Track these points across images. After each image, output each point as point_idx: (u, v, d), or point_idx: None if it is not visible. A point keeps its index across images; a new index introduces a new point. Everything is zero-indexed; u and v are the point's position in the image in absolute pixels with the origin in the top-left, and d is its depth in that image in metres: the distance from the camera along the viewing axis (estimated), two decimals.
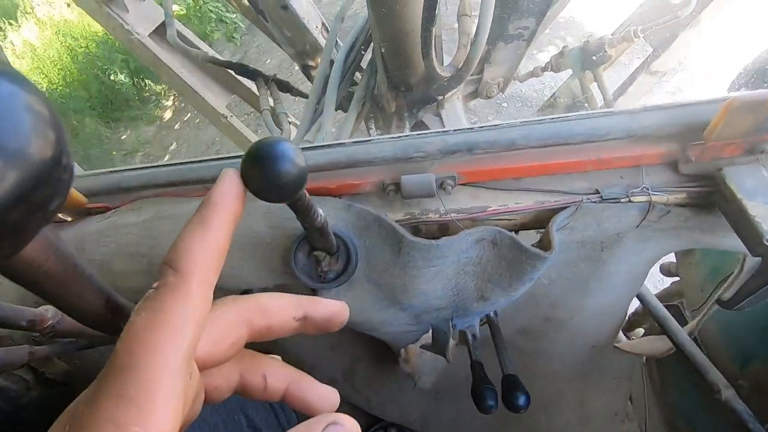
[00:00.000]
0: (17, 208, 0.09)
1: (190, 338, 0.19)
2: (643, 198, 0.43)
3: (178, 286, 0.20)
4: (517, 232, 0.50)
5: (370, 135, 1.35)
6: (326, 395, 0.27)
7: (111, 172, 0.49)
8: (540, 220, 0.47)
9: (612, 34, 1.35)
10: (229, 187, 0.22)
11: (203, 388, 0.24)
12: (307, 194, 0.29)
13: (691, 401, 0.77)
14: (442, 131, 0.45)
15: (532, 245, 0.44)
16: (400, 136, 0.45)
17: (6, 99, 0.09)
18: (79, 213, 0.51)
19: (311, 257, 0.44)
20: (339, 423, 0.25)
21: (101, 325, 0.20)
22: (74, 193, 0.47)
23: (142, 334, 0.18)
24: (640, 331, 0.99)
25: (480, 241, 0.45)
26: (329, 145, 0.46)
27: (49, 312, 0.39)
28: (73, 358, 0.66)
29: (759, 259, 0.41)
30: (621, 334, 0.97)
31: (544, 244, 0.44)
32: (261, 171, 0.22)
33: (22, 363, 0.48)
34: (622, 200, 0.43)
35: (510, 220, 0.47)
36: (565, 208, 0.44)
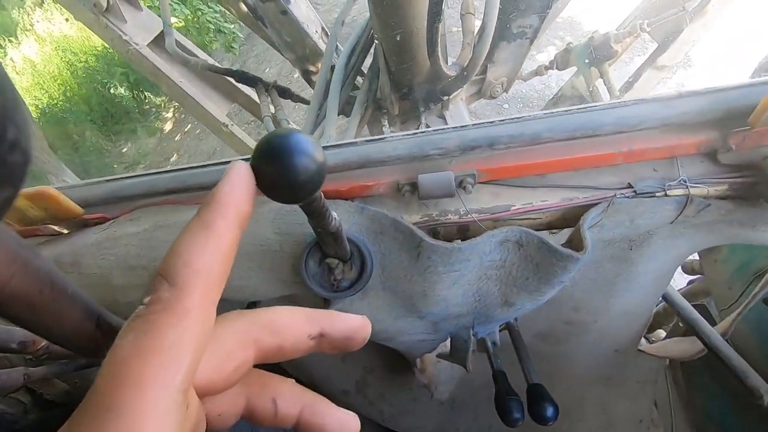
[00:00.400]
0: None
1: (186, 368, 0.15)
2: (681, 191, 0.39)
3: (174, 303, 0.16)
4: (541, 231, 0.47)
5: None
6: (346, 422, 0.23)
7: (108, 180, 0.46)
8: (568, 219, 0.44)
9: (617, 30, 1.33)
10: (238, 182, 0.18)
11: (203, 417, 0.20)
12: (323, 195, 0.26)
13: (721, 405, 0.73)
14: (461, 126, 0.42)
15: (561, 245, 0.41)
16: (415, 133, 0.42)
17: None
18: (76, 225, 0.48)
19: (323, 265, 0.41)
20: None
21: (90, 351, 0.17)
22: (70, 204, 0.44)
23: (127, 364, 0.14)
24: (661, 332, 0.95)
25: (504, 243, 0.42)
26: (339, 145, 0.43)
27: None
28: (72, 377, 0.62)
29: None
30: (643, 338, 0.93)
31: (575, 244, 0.40)
32: (276, 166, 0.19)
33: (18, 386, 0.45)
34: (657, 194, 0.40)
35: (535, 219, 0.44)
36: (595, 204, 0.41)
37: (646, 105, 0.39)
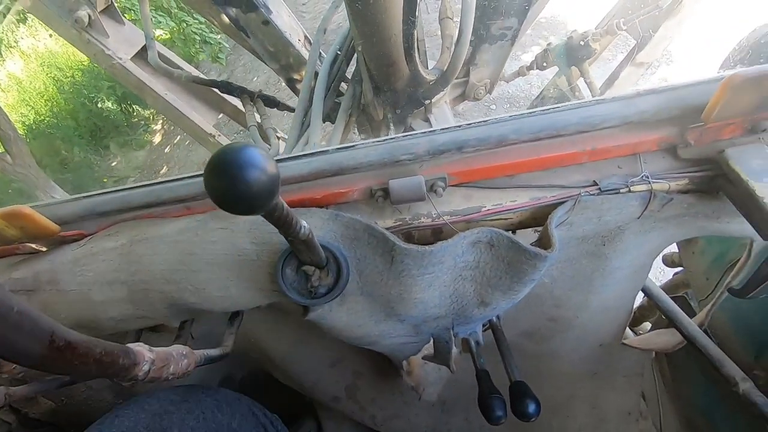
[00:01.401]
0: None
1: None
2: (644, 187, 0.41)
3: None
4: (514, 231, 0.47)
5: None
6: None
7: (84, 197, 0.47)
8: (537, 218, 0.45)
9: (595, 29, 1.35)
10: None
11: None
12: (285, 204, 0.27)
13: (706, 395, 0.74)
14: (429, 131, 0.43)
15: (531, 244, 0.42)
16: (385, 139, 0.43)
17: None
18: (54, 242, 0.48)
19: (300, 273, 0.42)
20: None
21: (46, 366, 0.18)
22: (45, 222, 0.44)
23: None
24: (647, 325, 0.96)
25: (476, 244, 0.43)
26: (311, 154, 0.44)
27: None
28: (59, 395, 0.62)
29: None
30: (628, 330, 0.95)
31: (544, 243, 0.41)
32: (226, 180, 0.19)
33: None
34: (621, 191, 0.41)
35: (506, 219, 0.45)
36: (563, 203, 0.42)
37: (607, 104, 0.40)
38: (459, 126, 0.42)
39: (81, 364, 0.20)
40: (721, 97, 0.34)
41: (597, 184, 0.41)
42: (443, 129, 0.42)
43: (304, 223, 0.32)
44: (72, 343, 0.19)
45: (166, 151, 4.43)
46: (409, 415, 0.84)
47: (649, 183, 0.40)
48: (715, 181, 0.40)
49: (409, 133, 0.43)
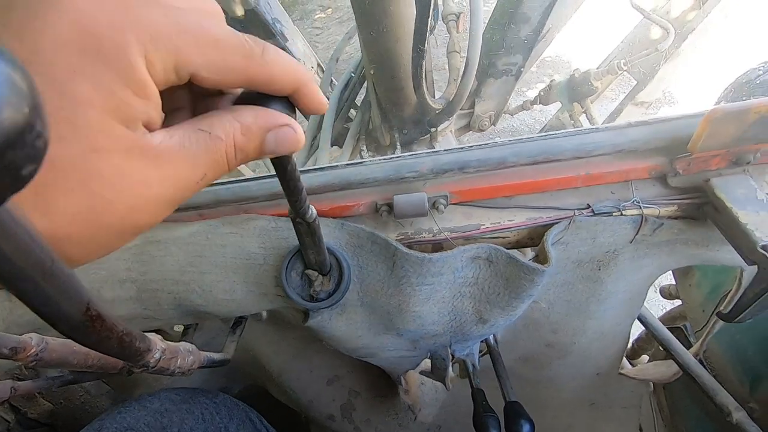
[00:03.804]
0: None
1: None
2: (635, 211, 0.43)
3: None
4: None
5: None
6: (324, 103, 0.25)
7: None
8: (533, 237, 0.47)
9: (597, 68, 1.41)
10: None
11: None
12: (294, 159, 0.27)
13: (704, 428, 0.74)
14: (433, 151, 0.45)
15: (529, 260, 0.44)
16: (391, 157, 0.46)
17: None
18: None
19: (304, 277, 0.44)
20: (292, 127, 0.23)
21: (78, 333, 0.20)
22: None
23: None
24: (645, 358, 0.96)
25: (475, 260, 0.45)
26: (322, 168, 0.47)
27: (33, 339, 0.37)
28: (58, 397, 0.63)
29: (755, 269, 0.41)
30: (626, 361, 0.94)
31: (540, 259, 0.43)
32: None
33: (4, 398, 0.46)
34: (613, 214, 0.43)
35: (504, 237, 0.47)
36: (559, 222, 0.44)
37: (601, 133, 0.43)
38: (462, 147, 0.45)
39: (106, 338, 0.22)
40: (705, 129, 0.36)
41: (590, 207, 0.44)
42: (447, 150, 0.45)
43: (311, 207, 0.33)
44: (102, 315, 0.21)
45: None
46: None
47: (640, 207, 0.42)
48: (702, 209, 0.42)
49: (415, 152, 0.46)
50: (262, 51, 0.22)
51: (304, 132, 1.34)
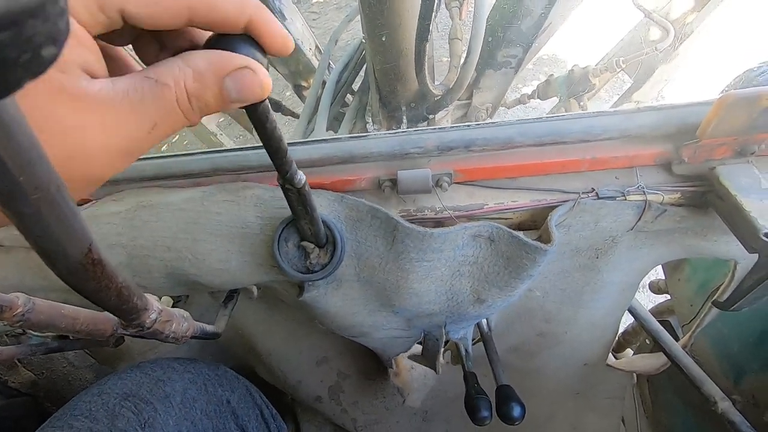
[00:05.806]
0: (5, 31, 0.08)
1: None
2: (639, 196, 0.43)
3: None
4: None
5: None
6: (288, 38, 0.23)
7: None
8: (536, 219, 0.46)
9: (596, 65, 1.41)
10: None
11: None
12: (269, 104, 0.25)
13: (684, 421, 0.75)
14: (439, 128, 0.45)
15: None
16: (396, 132, 0.45)
17: None
18: None
19: (300, 249, 0.43)
20: (251, 68, 0.22)
21: (75, 277, 0.18)
22: None
23: None
24: (630, 351, 0.98)
25: (477, 238, 0.44)
26: (324, 140, 0.46)
27: (20, 299, 0.36)
28: (40, 367, 0.61)
29: (750, 262, 0.41)
30: (611, 355, 0.96)
31: (543, 239, 0.43)
32: None
33: None
34: (618, 198, 0.43)
35: (506, 218, 0.46)
36: (563, 204, 0.44)
37: (609, 117, 0.43)
38: (468, 125, 0.44)
39: (105, 288, 0.21)
40: (717, 114, 0.36)
41: (595, 191, 0.43)
42: (452, 127, 0.44)
43: (302, 174, 0.32)
44: (103, 260, 0.19)
45: (163, 149, 4.42)
46: (390, 422, 0.84)
47: (644, 193, 0.42)
48: (705, 197, 0.42)
49: (420, 128, 0.45)
50: None
51: (298, 118, 1.32)
